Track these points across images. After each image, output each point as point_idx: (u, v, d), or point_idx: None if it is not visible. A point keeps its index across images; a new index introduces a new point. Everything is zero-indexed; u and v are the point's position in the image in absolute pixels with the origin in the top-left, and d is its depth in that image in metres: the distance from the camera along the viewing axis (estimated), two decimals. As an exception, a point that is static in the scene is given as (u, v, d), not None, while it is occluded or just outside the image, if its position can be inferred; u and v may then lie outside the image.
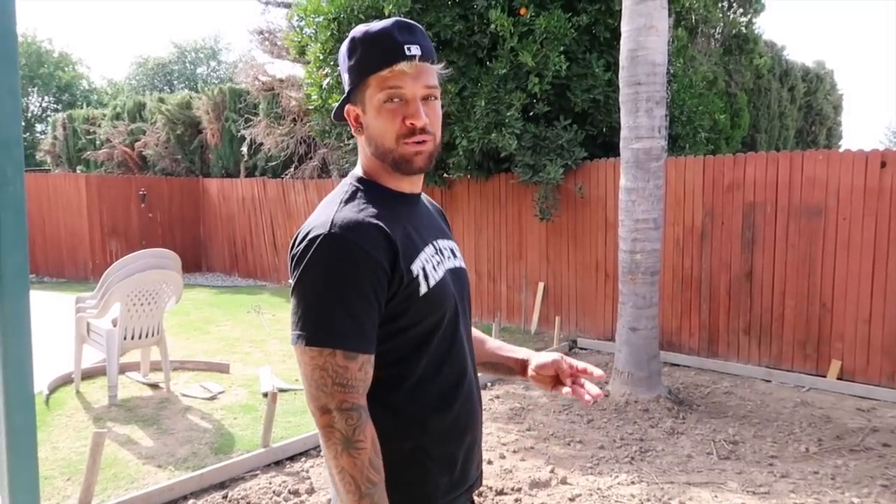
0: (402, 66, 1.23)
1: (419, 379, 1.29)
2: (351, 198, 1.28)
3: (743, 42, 9.34)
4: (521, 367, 1.57)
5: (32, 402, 1.25)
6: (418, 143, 1.27)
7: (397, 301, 1.24)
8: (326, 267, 1.19)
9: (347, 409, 1.17)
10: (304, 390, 1.21)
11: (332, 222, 1.21)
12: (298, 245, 1.23)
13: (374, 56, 1.25)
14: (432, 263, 1.32)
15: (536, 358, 1.54)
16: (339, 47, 7.19)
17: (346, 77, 1.31)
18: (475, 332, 1.58)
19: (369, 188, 1.31)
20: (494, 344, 1.62)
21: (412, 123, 1.25)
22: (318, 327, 1.18)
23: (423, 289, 1.27)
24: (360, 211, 1.24)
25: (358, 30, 1.30)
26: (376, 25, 1.27)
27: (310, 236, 1.22)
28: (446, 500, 1.33)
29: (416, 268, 1.26)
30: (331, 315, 1.18)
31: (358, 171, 1.37)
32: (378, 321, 1.23)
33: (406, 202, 1.36)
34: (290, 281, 1.24)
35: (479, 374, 1.50)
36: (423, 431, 1.29)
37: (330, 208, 1.27)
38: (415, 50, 1.24)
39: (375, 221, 1.23)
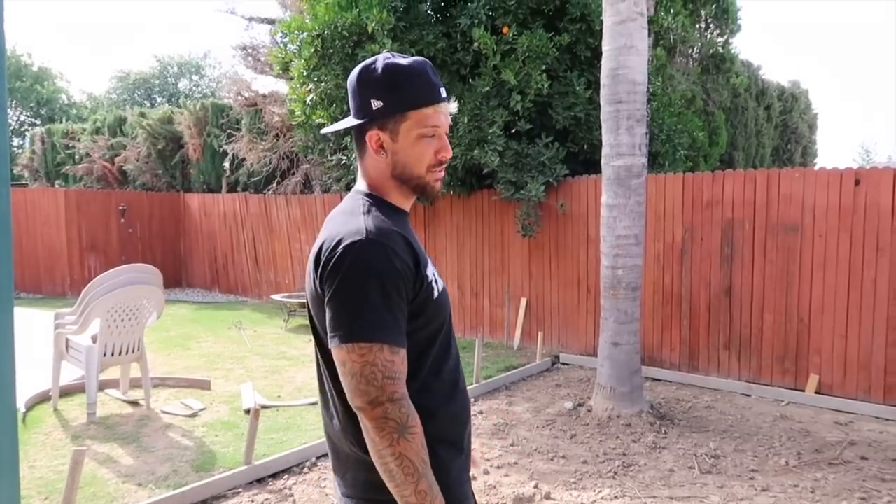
0: (441, 106, 1.42)
1: (427, 374, 1.40)
2: (369, 210, 1.38)
3: (720, 62, 9.52)
4: None
5: (15, 420, 1.24)
6: (440, 172, 1.47)
7: (417, 302, 1.36)
8: (368, 269, 1.27)
9: (398, 398, 1.26)
10: (349, 388, 1.28)
11: (366, 229, 1.31)
12: (333, 252, 1.30)
13: (417, 93, 1.40)
14: (435, 272, 1.45)
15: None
16: (322, 63, 7.17)
17: (375, 103, 1.40)
18: None
19: (379, 203, 1.43)
20: None
21: (443, 157, 1.44)
22: (365, 325, 1.26)
23: (436, 293, 1.41)
24: (383, 221, 1.36)
25: (389, 61, 1.40)
26: (408, 61, 1.41)
27: (345, 243, 1.29)
28: (459, 481, 1.44)
29: (429, 273, 1.40)
30: (375, 313, 1.26)
31: (362, 187, 1.48)
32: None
33: (405, 217, 1.48)
34: (324, 288, 1.30)
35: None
36: (433, 422, 1.37)
37: (355, 218, 1.36)
38: (443, 91, 1.43)
39: (399, 230, 1.36)
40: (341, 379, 1.29)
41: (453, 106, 1.48)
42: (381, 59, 1.42)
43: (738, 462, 4.16)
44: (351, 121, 1.45)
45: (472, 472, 1.62)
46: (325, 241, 1.33)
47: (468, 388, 5.70)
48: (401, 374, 1.27)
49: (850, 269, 5.32)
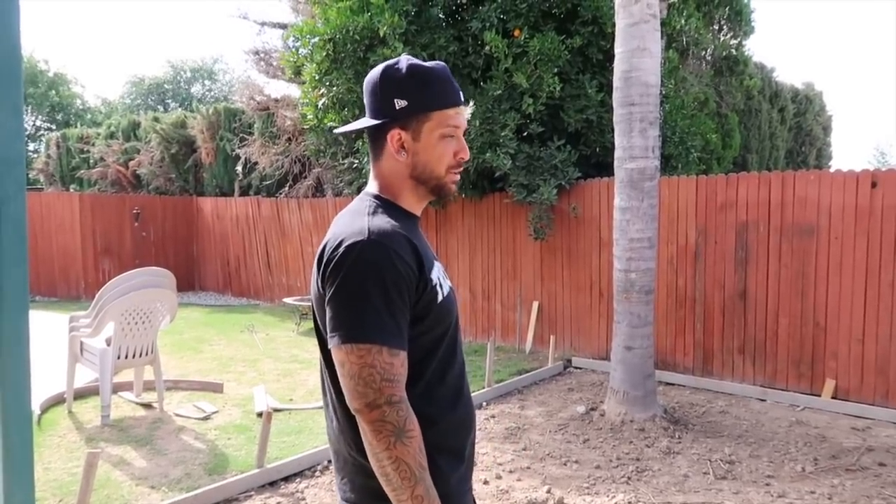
0: (461, 108, 1.45)
1: (429, 380, 1.38)
2: (375, 211, 1.38)
3: (733, 64, 9.46)
4: None
5: (30, 422, 1.24)
6: (458, 174, 1.48)
7: (421, 306, 1.34)
8: (368, 270, 1.27)
9: (396, 401, 1.24)
10: (347, 389, 1.26)
11: (368, 230, 1.30)
12: (335, 251, 1.29)
13: (442, 94, 1.42)
14: (442, 276, 1.44)
15: None
16: (334, 67, 7.18)
17: (399, 102, 1.40)
18: None
19: (387, 205, 1.42)
20: None
21: (462, 157, 1.46)
22: (365, 326, 1.25)
23: (440, 297, 1.39)
24: (387, 222, 1.35)
25: (413, 62, 1.41)
26: (431, 64, 1.43)
27: (347, 243, 1.29)
28: (459, 491, 1.42)
29: (434, 277, 1.38)
30: (375, 314, 1.25)
31: (373, 189, 1.46)
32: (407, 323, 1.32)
33: (414, 221, 1.47)
34: (325, 287, 1.30)
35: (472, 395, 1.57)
36: (435, 429, 1.36)
37: (360, 219, 1.35)
38: (462, 95, 1.46)
39: (403, 232, 1.34)
40: (340, 380, 1.29)
41: (469, 110, 1.49)
42: (404, 60, 1.42)
43: (753, 468, 4.11)
44: (369, 121, 1.44)
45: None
46: (329, 241, 1.33)
47: (480, 391, 5.69)
48: (399, 377, 1.26)
49: (867, 271, 5.25)
